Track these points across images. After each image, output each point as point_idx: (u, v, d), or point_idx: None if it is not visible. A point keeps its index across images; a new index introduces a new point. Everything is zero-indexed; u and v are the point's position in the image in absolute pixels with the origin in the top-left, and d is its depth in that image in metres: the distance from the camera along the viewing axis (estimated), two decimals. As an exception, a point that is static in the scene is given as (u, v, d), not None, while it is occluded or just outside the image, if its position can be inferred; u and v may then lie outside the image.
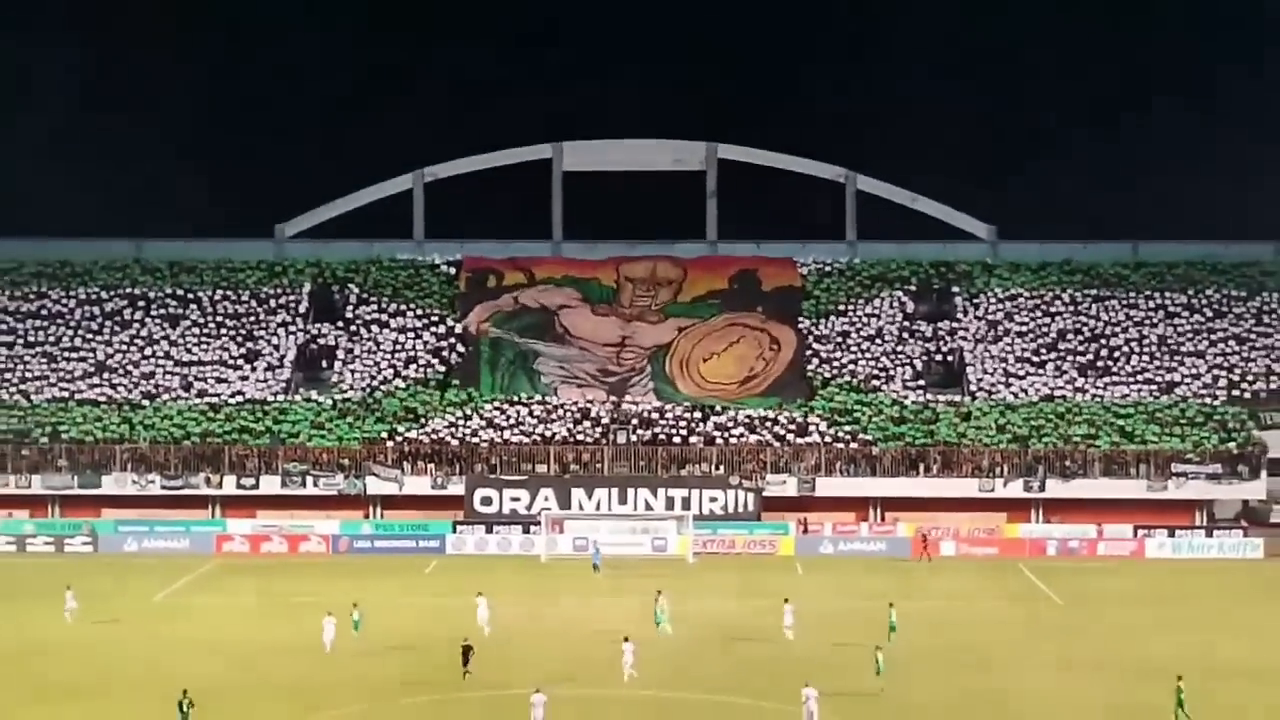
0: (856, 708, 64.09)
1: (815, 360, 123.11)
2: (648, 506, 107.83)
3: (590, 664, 70.93)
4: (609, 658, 68.70)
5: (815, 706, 61.21)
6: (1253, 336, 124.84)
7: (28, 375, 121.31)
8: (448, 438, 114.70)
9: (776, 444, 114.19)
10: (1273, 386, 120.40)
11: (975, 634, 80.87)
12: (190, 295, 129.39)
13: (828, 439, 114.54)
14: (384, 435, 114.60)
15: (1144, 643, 78.67)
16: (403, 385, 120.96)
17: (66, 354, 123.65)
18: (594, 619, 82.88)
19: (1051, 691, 66.99)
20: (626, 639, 68.18)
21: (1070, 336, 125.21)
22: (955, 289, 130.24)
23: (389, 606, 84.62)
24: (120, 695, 67.59)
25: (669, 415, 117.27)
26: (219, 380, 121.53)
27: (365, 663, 71.24)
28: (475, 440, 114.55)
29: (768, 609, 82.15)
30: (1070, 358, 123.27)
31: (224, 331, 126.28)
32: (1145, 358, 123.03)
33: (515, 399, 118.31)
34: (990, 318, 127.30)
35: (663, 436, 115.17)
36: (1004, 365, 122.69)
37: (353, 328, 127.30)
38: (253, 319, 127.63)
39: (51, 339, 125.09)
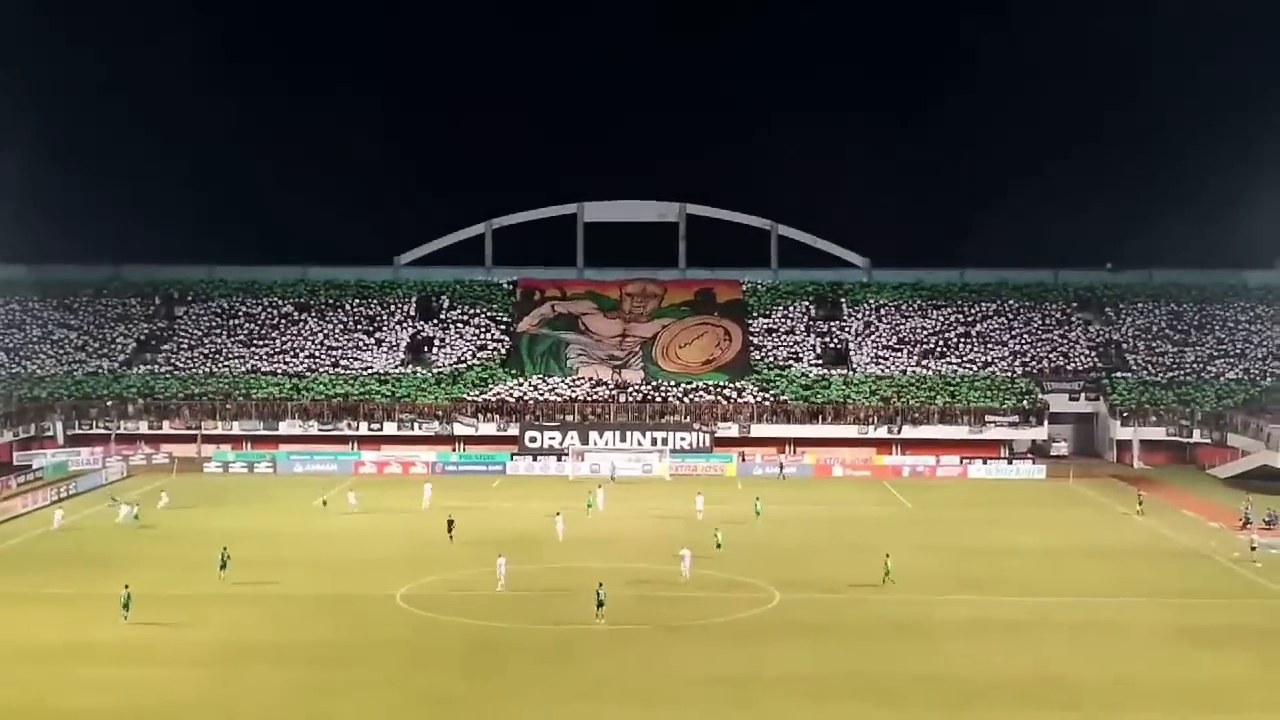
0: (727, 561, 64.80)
1: (753, 348, 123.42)
2: (639, 443, 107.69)
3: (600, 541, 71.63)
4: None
5: (689, 563, 63.56)
6: (1039, 333, 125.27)
7: (230, 356, 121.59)
8: (506, 398, 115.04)
9: (725, 403, 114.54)
10: (1051, 366, 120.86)
11: (856, 527, 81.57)
12: (337, 303, 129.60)
13: (759, 399, 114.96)
14: (465, 396, 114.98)
15: (967, 533, 79.36)
16: (477, 364, 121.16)
17: (255, 342, 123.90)
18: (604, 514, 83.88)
19: (909, 564, 67.52)
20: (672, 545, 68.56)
21: (919, 332, 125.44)
22: (843, 300, 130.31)
23: (472, 508, 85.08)
24: (293, 559, 68.62)
25: (654, 384, 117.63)
26: (355, 359, 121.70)
27: (455, 545, 71.94)
28: (525, 399, 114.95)
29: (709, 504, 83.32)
30: (919, 346, 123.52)
31: (359, 326, 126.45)
32: (968, 346, 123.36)
33: (549, 378, 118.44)
34: (866, 319, 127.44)
35: (650, 397, 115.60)
36: (875, 351, 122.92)
37: (444, 325, 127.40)
38: (378, 319, 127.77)
39: (245, 332, 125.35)
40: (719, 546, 70.13)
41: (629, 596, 59.81)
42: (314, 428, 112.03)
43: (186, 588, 61.28)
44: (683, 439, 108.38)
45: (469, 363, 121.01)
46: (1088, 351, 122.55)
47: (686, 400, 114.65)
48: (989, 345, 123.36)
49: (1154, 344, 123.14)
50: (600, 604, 55.60)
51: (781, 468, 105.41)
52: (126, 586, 56.18)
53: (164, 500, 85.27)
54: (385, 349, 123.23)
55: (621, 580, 62.06)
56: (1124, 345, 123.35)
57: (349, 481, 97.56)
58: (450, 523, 74.40)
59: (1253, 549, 71.30)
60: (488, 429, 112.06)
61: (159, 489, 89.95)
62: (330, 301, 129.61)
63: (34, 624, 55.61)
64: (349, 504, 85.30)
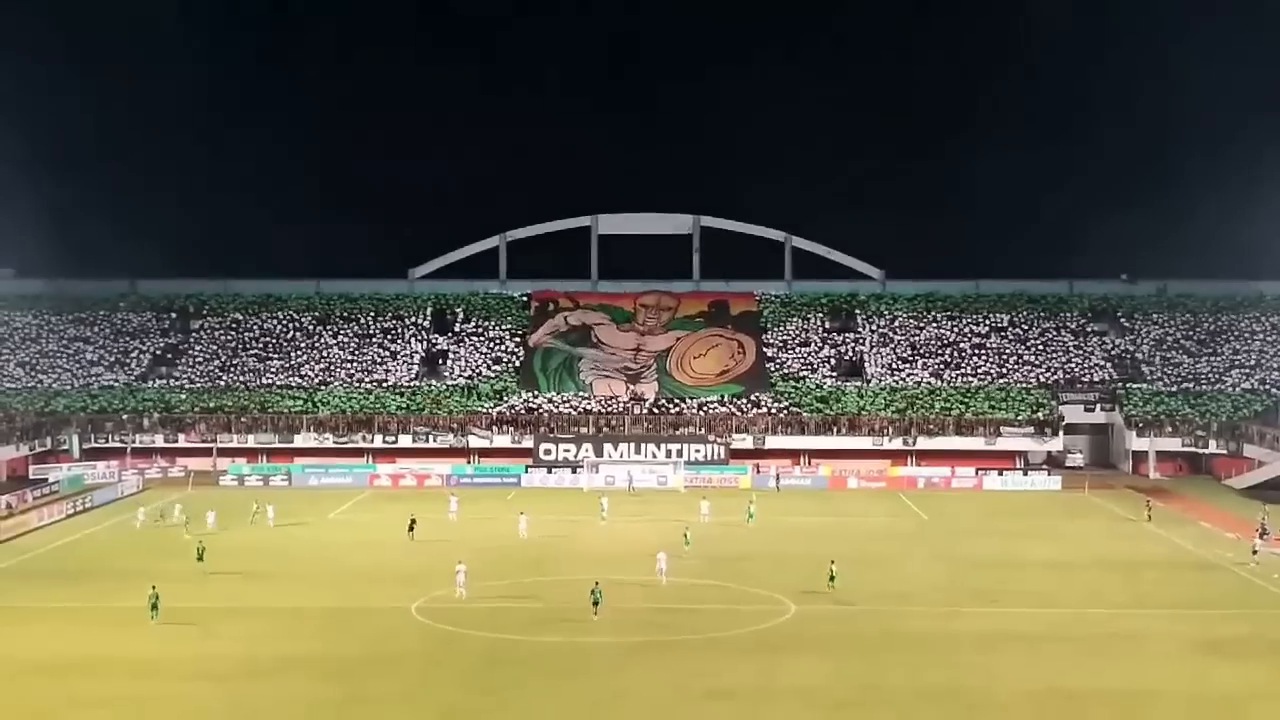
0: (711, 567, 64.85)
1: (767, 360, 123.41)
2: (654, 455, 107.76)
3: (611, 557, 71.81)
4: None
5: (664, 564, 65.55)
6: (1054, 345, 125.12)
7: (245, 370, 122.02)
8: (521, 410, 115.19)
9: (739, 414, 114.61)
10: (1067, 377, 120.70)
11: (871, 538, 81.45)
12: (352, 316, 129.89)
13: (773, 410, 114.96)
14: (480, 409, 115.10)
15: (982, 545, 79.22)
16: (492, 376, 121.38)
17: (270, 355, 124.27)
18: (618, 526, 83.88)
19: (924, 575, 67.49)
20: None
21: (933, 343, 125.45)
22: (858, 312, 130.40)
23: (485, 518, 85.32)
24: (307, 573, 68.75)
25: (669, 396, 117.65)
26: (370, 372, 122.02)
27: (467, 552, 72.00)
28: (539, 412, 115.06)
29: (722, 515, 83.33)
30: (933, 357, 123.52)
31: (374, 339, 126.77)
32: (982, 358, 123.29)
33: (563, 393, 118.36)
34: (881, 331, 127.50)
35: (664, 409, 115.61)
36: (890, 362, 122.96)
37: (459, 338, 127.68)
38: (393, 331, 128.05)
39: (260, 346, 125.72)
40: (687, 544, 73.22)
41: (645, 609, 59.87)
42: (329, 441, 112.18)
43: (201, 600, 61.35)
44: (697, 451, 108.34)
45: (483, 375, 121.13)
46: (1103, 362, 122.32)
47: (701, 412, 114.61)
48: (1004, 356, 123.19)
49: (1169, 355, 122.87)
50: (596, 602, 57.70)
51: (778, 479, 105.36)
52: (154, 588, 57.49)
53: (177, 512, 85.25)
54: (400, 362, 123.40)
55: (637, 594, 62.10)
56: (1139, 356, 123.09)
57: (510, 495, 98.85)
58: (412, 522, 77.68)
59: (1254, 552, 72.17)
60: (502, 441, 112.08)
61: (174, 500, 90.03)
62: (345, 315, 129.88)
63: (47, 638, 55.69)
64: (450, 511, 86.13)
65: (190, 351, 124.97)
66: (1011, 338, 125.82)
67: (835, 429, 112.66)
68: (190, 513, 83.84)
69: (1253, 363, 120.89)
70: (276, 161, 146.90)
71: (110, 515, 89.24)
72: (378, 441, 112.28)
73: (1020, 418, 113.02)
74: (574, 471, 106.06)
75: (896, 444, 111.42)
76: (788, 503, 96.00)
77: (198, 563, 68.65)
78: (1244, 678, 50.20)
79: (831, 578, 64.05)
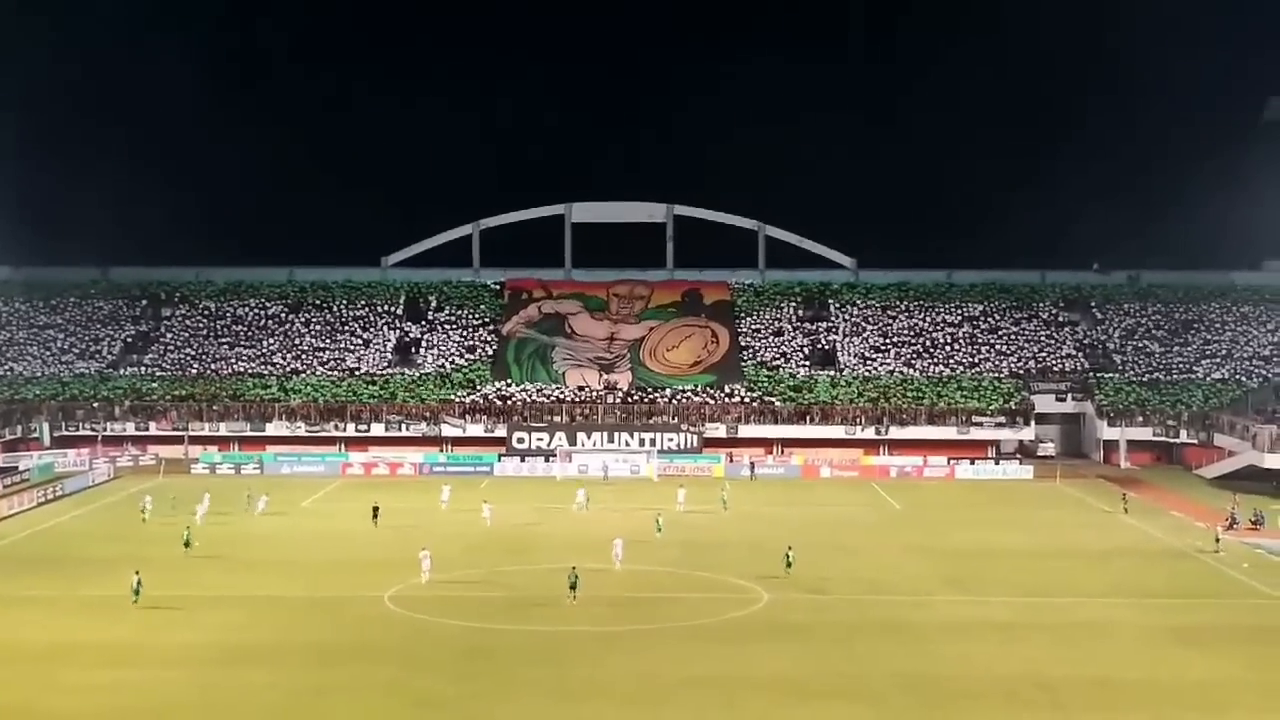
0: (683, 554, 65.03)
1: (740, 349, 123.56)
2: (627, 444, 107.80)
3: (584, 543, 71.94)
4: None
5: (620, 550, 66.19)
6: (1025, 334, 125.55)
7: (216, 357, 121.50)
8: (494, 398, 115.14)
9: (712, 403, 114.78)
10: (1039, 366, 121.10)
11: (844, 527, 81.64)
12: (324, 304, 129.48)
13: (747, 399, 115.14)
14: (452, 397, 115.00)
15: (954, 534, 79.51)
16: (465, 364, 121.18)
17: (242, 343, 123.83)
18: (591, 514, 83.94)
19: (897, 564, 67.72)
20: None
21: (905, 333, 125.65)
22: (830, 301, 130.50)
23: (460, 509, 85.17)
24: (280, 561, 68.65)
25: (642, 386, 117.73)
26: (342, 360, 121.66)
27: (441, 540, 71.88)
28: (512, 400, 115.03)
29: (697, 504, 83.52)
30: (905, 346, 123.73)
31: (346, 328, 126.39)
32: (954, 347, 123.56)
33: (536, 383, 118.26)
34: (853, 320, 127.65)
35: (637, 398, 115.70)
36: (862, 351, 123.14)
37: (432, 326, 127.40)
38: (365, 319, 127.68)
39: (232, 334, 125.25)
40: (659, 531, 74.97)
41: (619, 598, 60.02)
42: (301, 429, 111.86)
43: (175, 589, 61.17)
44: (670, 440, 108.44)
45: (456, 364, 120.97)
46: (1074, 352, 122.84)
47: (675, 401, 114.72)
48: (976, 346, 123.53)
49: (1141, 345, 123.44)
50: (573, 586, 58.67)
51: (753, 468, 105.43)
52: (137, 573, 58.41)
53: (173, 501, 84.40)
54: (372, 350, 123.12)
55: (610, 582, 62.26)
56: (1111, 346, 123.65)
57: (483, 484, 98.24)
58: (375, 509, 79.20)
59: (1216, 540, 73.10)
60: (475, 430, 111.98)
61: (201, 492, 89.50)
62: (317, 303, 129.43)
63: (19, 625, 55.55)
64: (441, 500, 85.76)
65: (162, 339, 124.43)
66: (983, 327, 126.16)
67: (808, 418, 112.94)
68: (179, 503, 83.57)
69: (1224, 352, 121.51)
70: (249, 148, 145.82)
71: (82, 503, 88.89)
72: (350, 430, 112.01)
73: (992, 407, 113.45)
74: (547, 460, 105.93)
75: (869, 433, 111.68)
76: (761, 492, 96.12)
77: (184, 549, 69.19)
78: (1215, 666, 50.64)
79: (789, 564, 64.61)
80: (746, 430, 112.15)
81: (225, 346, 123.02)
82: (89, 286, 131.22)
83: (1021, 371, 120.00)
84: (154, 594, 58.84)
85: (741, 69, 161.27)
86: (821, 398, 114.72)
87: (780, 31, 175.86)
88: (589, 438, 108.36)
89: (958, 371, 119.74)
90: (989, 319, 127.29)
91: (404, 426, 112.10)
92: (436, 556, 64.51)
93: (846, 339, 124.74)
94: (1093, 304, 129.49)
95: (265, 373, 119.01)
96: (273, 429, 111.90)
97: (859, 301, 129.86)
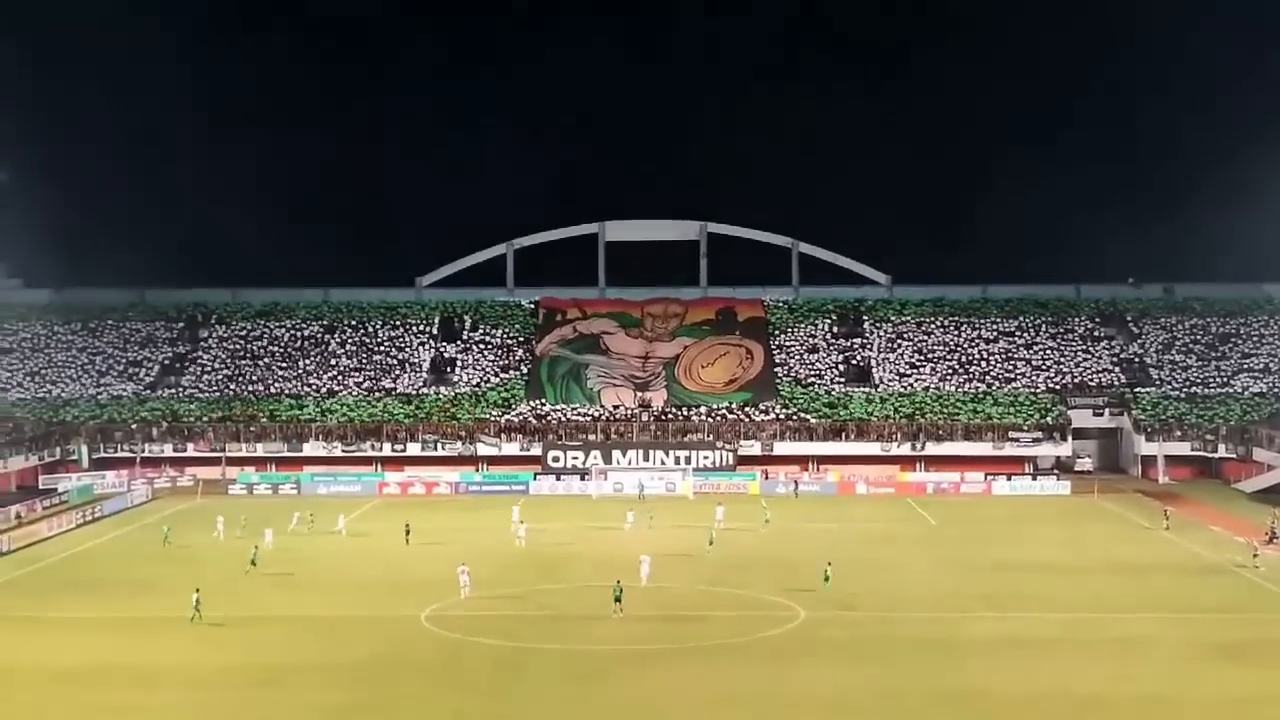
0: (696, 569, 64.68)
1: (775, 366, 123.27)
2: (662, 462, 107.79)
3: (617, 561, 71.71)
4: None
5: (647, 568, 65.73)
6: (1062, 349, 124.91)
7: (253, 378, 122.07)
8: (530, 417, 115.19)
9: (747, 420, 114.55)
10: (1075, 381, 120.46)
11: (879, 544, 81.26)
12: (360, 324, 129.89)
13: (782, 416, 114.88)
14: (487, 417, 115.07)
15: (991, 550, 78.97)
16: (499, 384, 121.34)
17: (279, 364, 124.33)
18: (627, 534, 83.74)
19: (934, 581, 67.26)
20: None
21: (940, 348, 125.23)
22: (865, 318, 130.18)
23: (494, 528, 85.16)
24: (318, 580, 68.73)
25: (677, 404, 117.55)
26: (378, 380, 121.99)
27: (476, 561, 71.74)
28: (547, 419, 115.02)
29: (735, 520, 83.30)
30: (941, 362, 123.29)
31: (381, 348, 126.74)
32: (990, 362, 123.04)
33: (570, 403, 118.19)
34: (888, 337, 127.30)
35: (672, 416, 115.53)
36: (897, 368, 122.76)
37: (467, 346, 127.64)
38: (400, 340, 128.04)
39: (268, 355, 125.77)
40: (710, 544, 76.83)
41: (653, 615, 59.81)
42: (338, 449, 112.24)
43: (208, 610, 61.23)
44: (706, 457, 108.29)
45: (491, 383, 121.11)
46: (1111, 367, 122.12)
47: (710, 419, 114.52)
48: (1012, 361, 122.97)
49: (1178, 359, 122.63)
50: (618, 598, 59.29)
51: (797, 485, 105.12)
52: (197, 591, 59.49)
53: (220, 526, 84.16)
54: (408, 370, 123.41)
55: (649, 600, 62.08)
56: (1147, 360, 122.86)
57: (519, 503, 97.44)
58: (407, 529, 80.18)
59: (1254, 555, 72.50)
60: (511, 449, 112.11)
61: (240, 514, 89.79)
62: (353, 323, 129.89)
63: (58, 647, 55.69)
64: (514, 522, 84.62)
65: (199, 361, 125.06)
66: (1019, 342, 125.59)
67: (843, 435, 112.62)
68: (244, 524, 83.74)
69: (1261, 366, 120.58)
70: (284, 170, 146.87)
71: (120, 525, 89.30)
72: (386, 450, 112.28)
73: (1028, 423, 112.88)
74: (583, 479, 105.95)
75: (905, 449, 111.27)
76: (800, 509, 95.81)
77: (251, 567, 70.92)
78: (1256, 682, 49.95)
79: (826, 579, 64.48)
80: (781, 447, 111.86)
81: (262, 368, 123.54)
82: (127, 309, 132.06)
83: (1058, 386, 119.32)
84: (188, 615, 58.93)
85: (774, 86, 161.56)
86: (857, 414, 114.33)
87: (812, 50, 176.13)
88: (624, 455, 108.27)
89: (994, 387, 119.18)
90: (1024, 334, 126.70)
91: (439, 446, 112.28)
92: (473, 575, 64.52)
93: (881, 355, 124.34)
94: (1129, 318, 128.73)
95: (302, 393, 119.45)
96: (309, 449, 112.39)
97: (893, 318, 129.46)
